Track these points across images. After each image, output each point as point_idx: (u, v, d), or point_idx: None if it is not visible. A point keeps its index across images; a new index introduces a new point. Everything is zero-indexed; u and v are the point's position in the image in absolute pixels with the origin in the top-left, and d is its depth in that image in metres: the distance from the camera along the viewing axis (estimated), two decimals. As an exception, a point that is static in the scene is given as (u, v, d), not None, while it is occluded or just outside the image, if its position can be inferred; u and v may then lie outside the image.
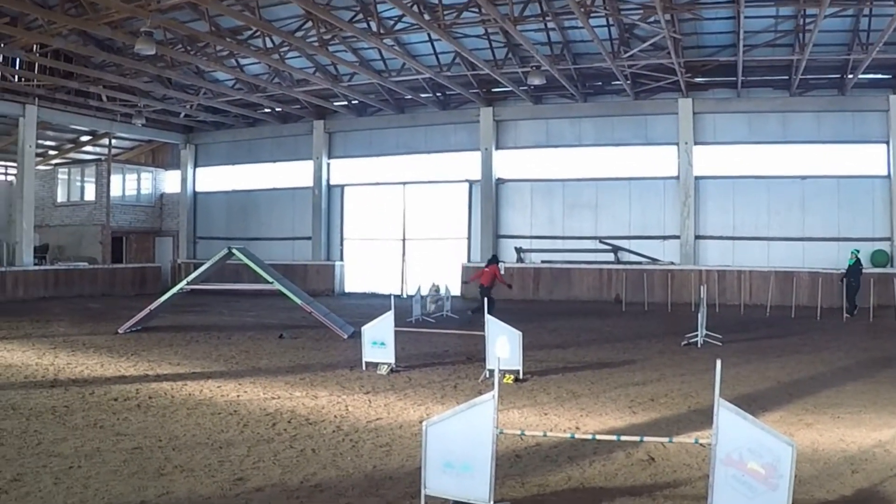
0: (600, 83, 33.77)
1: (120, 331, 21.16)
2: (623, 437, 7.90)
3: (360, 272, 39.37)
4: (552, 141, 35.52)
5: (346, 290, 38.82)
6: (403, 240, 38.33)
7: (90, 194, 42.83)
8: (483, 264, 33.15)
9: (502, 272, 22.01)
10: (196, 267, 26.46)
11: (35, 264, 36.19)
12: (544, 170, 35.62)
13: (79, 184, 43.68)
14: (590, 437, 8.71)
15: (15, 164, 38.91)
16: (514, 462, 8.62)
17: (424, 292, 26.86)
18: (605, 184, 34.48)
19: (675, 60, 27.54)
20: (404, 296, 34.29)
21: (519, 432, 8.24)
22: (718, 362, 6.56)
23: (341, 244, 39.92)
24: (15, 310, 27.34)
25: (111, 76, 31.64)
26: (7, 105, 34.35)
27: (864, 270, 27.25)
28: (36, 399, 12.12)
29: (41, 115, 35.62)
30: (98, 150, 44.45)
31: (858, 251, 27.31)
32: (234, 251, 21.47)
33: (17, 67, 31.76)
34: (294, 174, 40.95)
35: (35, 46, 28.61)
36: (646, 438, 7.70)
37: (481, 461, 6.89)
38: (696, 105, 32.73)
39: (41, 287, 34.65)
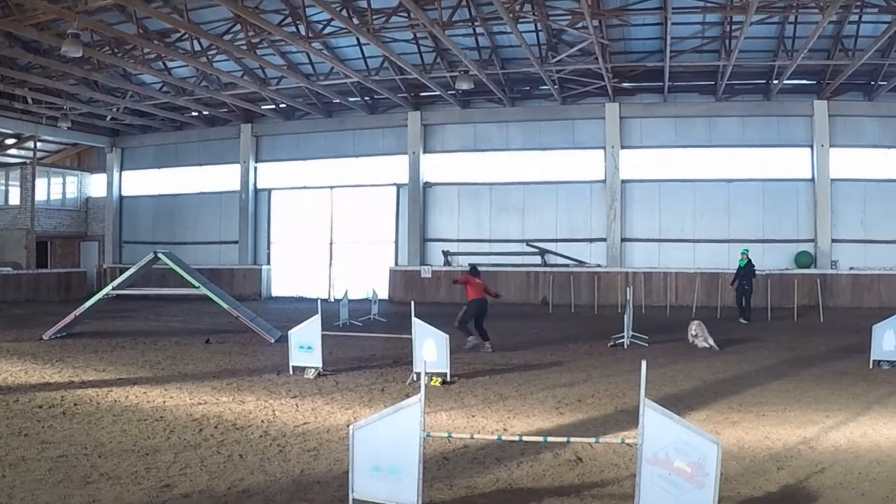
0: (528, 88, 34.00)
1: (45, 337, 20.80)
2: (550, 438, 8.00)
3: (287, 276, 39.24)
4: (480, 145, 35.71)
5: (274, 294, 38.65)
6: (331, 243, 38.28)
7: (14, 198, 42.33)
8: (411, 268, 33.41)
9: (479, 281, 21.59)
10: (122, 272, 26.11)
11: (-43, 270, 35.49)
12: (472, 173, 35.79)
13: (2, 188, 43.14)
14: (517, 438, 8.72)
15: None
16: (442, 464, 8.66)
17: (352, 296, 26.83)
18: (532, 187, 34.72)
19: (602, 66, 27.77)
20: (332, 299, 34.18)
21: (446, 434, 8.25)
22: (643, 363, 6.62)
23: (268, 248, 39.76)
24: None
25: (37, 78, 31.17)
26: (-72, 108, 33.64)
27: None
28: (-42, 408, 11.90)
29: (-36, 118, 34.98)
30: (23, 153, 43.74)
31: (748, 251, 26.81)
32: (161, 255, 21.23)
33: (-60, 70, 31.18)
34: (221, 178, 40.69)
35: (-41, 49, 28.05)
36: (572, 439, 7.79)
37: (409, 464, 6.92)
38: (623, 110, 33.10)
39: (-35, 294, 33.94)
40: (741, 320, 25.28)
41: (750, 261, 26.08)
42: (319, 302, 16.47)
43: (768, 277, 28.54)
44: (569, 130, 34.38)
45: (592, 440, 8.50)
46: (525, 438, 8.53)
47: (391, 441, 6.95)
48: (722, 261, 31.90)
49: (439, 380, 13.69)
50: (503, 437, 8.75)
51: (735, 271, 26.56)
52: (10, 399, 12.59)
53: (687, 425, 6.60)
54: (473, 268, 20.65)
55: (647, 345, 19.13)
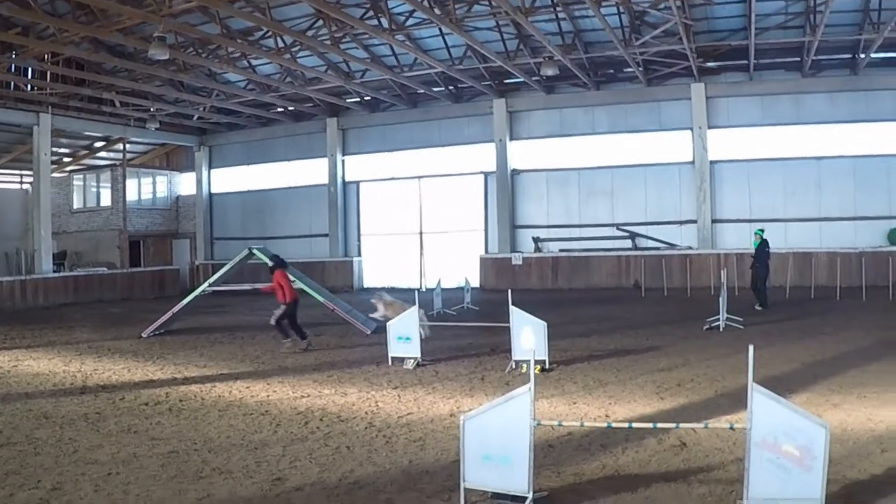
0: (612, 71, 33.69)
1: (143, 335, 21.23)
2: (659, 424, 7.93)
3: (378, 267, 39.49)
4: (566, 130, 35.48)
5: (365, 286, 38.76)
6: (421, 233, 38.38)
7: (106, 200, 43.15)
8: (502, 255, 33.29)
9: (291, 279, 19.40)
10: (214, 268, 26.53)
11: (54, 271, 36.41)
12: (559, 159, 35.61)
13: (94, 189, 43.99)
14: (626, 425, 8.74)
15: (31, 173, 39.09)
16: (548, 452, 8.67)
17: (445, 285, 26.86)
18: (620, 171, 34.44)
19: (686, 46, 27.43)
20: (423, 289, 34.28)
21: (556, 423, 8.28)
22: (751, 348, 6.58)
23: (359, 240, 40.02)
24: (37, 317, 27.45)
25: (123, 82, 31.81)
26: (21, 114, 34.58)
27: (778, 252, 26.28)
28: (67, 406, 12.21)
29: (55, 122, 35.89)
30: (112, 155, 44.62)
31: (762, 230, 24.53)
32: (255, 251, 21.54)
33: (30, 76, 31.98)
34: (309, 172, 41.07)
35: (47, 55, 28.73)
36: (681, 425, 7.72)
37: (519, 453, 6.94)
38: (709, 89, 32.62)
39: (61, 294, 34.68)
40: (756, 307, 23.33)
41: (764, 241, 23.97)
42: (417, 293, 16.51)
43: (861, 256, 27.90)
44: (655, 112, 34.05)
45: (701, 425, 8.49)
46: (635, 425, 8.53)
47: (501, 430, 6.98)
48: (813, 240, 31.32)
49: (538, 367, 13.64)
50: (613, 425, 8.72)
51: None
52: (115, 397, 12.90)
53: (794, 409, 6.56)
54: (281, 260, 19.02)
55: (742, 327, 18.89)
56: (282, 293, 18.01)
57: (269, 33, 26.98)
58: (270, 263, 18.80)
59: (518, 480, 6.95)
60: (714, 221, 32.72)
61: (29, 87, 32.94)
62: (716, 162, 32.81)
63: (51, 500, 7.70)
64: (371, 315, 20.37)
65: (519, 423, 6.94)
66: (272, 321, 18.24)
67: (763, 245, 23.65)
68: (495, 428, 7.03)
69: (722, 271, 20.80)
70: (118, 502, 7.59)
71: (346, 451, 9.11)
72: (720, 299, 19.43)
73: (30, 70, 31.71)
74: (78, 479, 8.30)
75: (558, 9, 26.07)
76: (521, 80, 32.77)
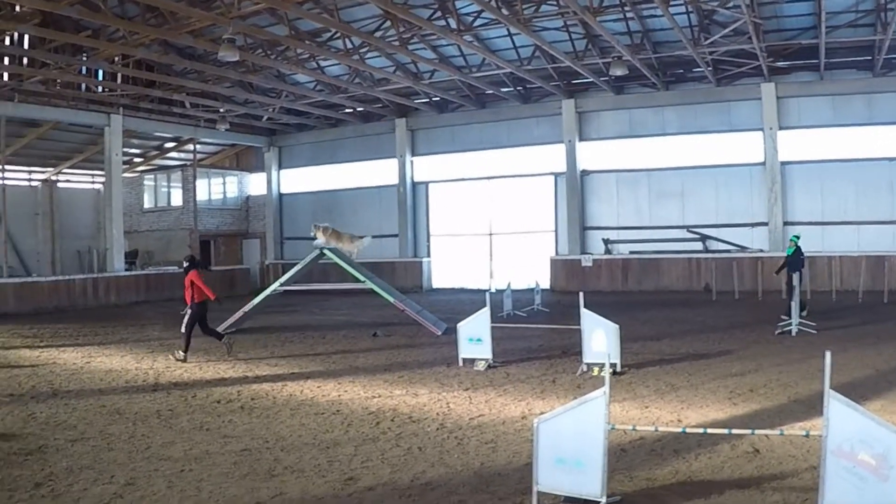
0: (681, 71, 33.34)
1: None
2: (734, 430, 7.88)
3: (447, 268, 39.51)
4: (635, 131, 35.21)
5: (434, 286, 38.92)
6: (490, 234, 38.28)
7: (177, 199, 43.69)
8: (572, 257, 33.14)
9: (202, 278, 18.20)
10: (284, 267, 26.71)
11: (125, 270, 36.97)
12: (629, 160, 35.29)
13: (165, 189, 44.57)
14: (701, 430, 8.66)
15: (102, 173, 39.90)
16: (620, 456, 8.64)
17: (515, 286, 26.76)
18: (690, 172, 34.07)
19: (756, 45, 27.06)
20: (493, 290, 34.22)
21: (630, 427, 8.25)
22: (828, 354, 6.50)
23: (428, 240, 40.04)
24: (109, 315, 27.85)
25: (193, 83, 32.16)
26: (93, 115, 35.23)
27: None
28: (140, 403, 12.44)
29: (126, 123, 36.47)
30: (183, 155, 45.20)
31: (798, 237, 23.05)
32: (326, 251, 21.69)
33: (101, 78, 32.51)
34: (378, 173, 41.16)
35: (118, 57, 29.15)
36: (756, 431, 7.65)
37: (593, 457, 6.94)
38: (780, 89, 32.14)
39: (133, 292, 35.26)
40: (802, 314, 20.37)
41: (798, 248, 22.49)
42: (488, 294, 16.48)
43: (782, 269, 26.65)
44: (725, 112, 33.61)
45: (776, 432, 8.43)
46: (709, 431, 8.48)
47: (575, 434, 6.98)
48: (887, 243, 30.73)
49: (610, 370, 13.59)
50: (687, 430, 8.67)
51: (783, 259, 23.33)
52: (188, 394, 13.12)
53: (871, 416, 6.46)
54: (194, 259, 18.29)
55: (815, 332, 18.59)
56: (190, 293, 17.42)
57: (338, 34, 27.06)
58: (185, 263, 18.06)
59: (591, 484, 6.94)
60: (785, 224, 32.17)
61: (100, 88, 33.48)
62: (787, 163, 32.31)
63: (124, 494, 7.85)
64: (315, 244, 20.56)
65: (593, 427, 6.93)
66: (182, 329, 17.55)
67: (797, 252, 22.45)
68: (569, 431, 7.02)
69: (794, 275, 20.49)
70: (191, 499, 7.71)
71: (418, 452, 9.15)
72: (792, 303, 19.20)
73: (101, 72, 32.22)
74: (151, 475, 8.45)
75: (626, 8, 25.87)
76: (590, 80, 32.53)
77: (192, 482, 8.18)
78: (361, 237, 22.21)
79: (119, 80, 32.58)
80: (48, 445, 9.87)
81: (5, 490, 8.07)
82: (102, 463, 8.99)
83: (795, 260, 22.21)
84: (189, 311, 17.41)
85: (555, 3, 24.90)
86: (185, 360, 16.99)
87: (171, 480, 8.24)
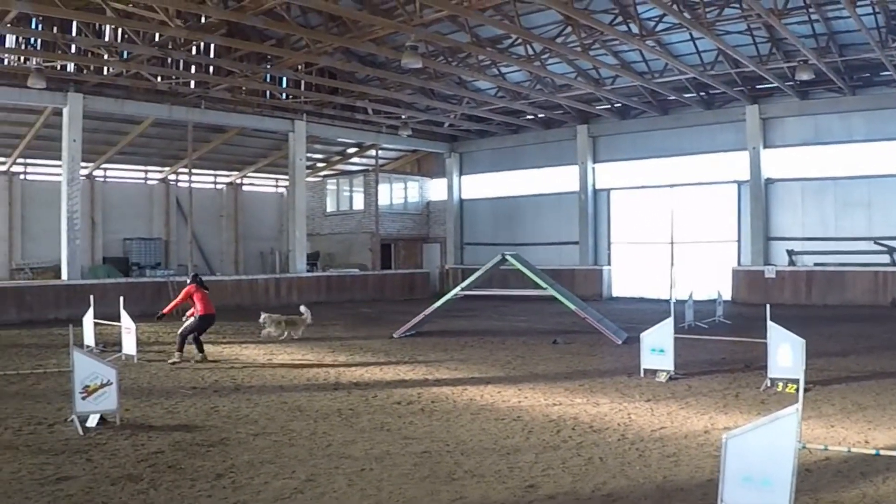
0: (868, 75, 31.94)
1: (395, 335, 21.75)
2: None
3: (627, 277, 38.99)
4: (821, 137, 33.81)
5: (614, 295, 38.48)
6: (671, 243, 37.67)
7: (358, 204, 44.49)
8: (755, 268, 32.28)
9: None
10: (464, 273, 26.78)
11: (307, 271, 37.89)
12: (814, 168, 33.95)
13: (347, 194, 45.47)
14: (894, 454, 8.20)
15: (286, 177, 41.52)
16: (806, 477, 8.16)
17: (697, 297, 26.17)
18: (878, 181, 32.46)
19: (952, 46, 26.00)
20: (673, 300, 33.55)
21: (822, 447, 7.85)
22: None
23: (608, 248, 39.60)
24: (290, 314, 28.37)
25: (375, 90, 32.75)
26: (277, 121, 36.32)
27: None
28: (320, 401, 12.59)
29: (309, 129, 37.43)
30: (365, 161, 46.18)
31: None
32: (508, 257, 21.62)
33: (285, 86, 33.64)
34: (559, 179, 40.96)
35: (301, 65, 29.93)
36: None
37: (782, 476, 6.58)
38: (978, 93, 30.72)
39: (314, 292, 35.97)
40: None
41: None
42: (672, 305, 16.18)
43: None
44: (916, 118, 32.28)
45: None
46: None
47: (764, 451, 6.64)
48: None
49: (794, 387, 13.06)
50: (881, 452, 8.21)
51: None
52: (368, 394, 13.20)
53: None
54: (197, 277, 18.12)
55: None
56: (201, 306, 17.22)
57: (519, 41, 27.11)
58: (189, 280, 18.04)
59: (778, 504, 6.61)
60: None
61: (284, 95, 34.55)
62: None
63: (304, 490, 7.91)
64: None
65: (783, 445, 6.58)
66: (186, 332, 17.25)
67: None
68: (758, 448, 6.69)
69: None
70: (371, 498, 7.68)
71: (599, 462, 8.91)
72: None
73: (284, 79, 33.25)
74: (331, 473, 8.49)
75: (811, 10, 25.05)
76: (774, 85, 31.61)
77: (372, 481, 8.17)
78: (302, 314, 21.92)
79: (303, 88, 33.62)
80: (230, 438, 10.08)
81: (187, 479, 8.25)
82: (283, 458, 9.09)
83: None
84: (192, 320, 17.30)
85: (738, 5, 24.30)
86: (179, 361, 16.88)
87: (351, 479, 8.26)
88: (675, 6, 23.18)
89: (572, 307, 20.84)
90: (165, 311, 17.91)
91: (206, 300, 17.28)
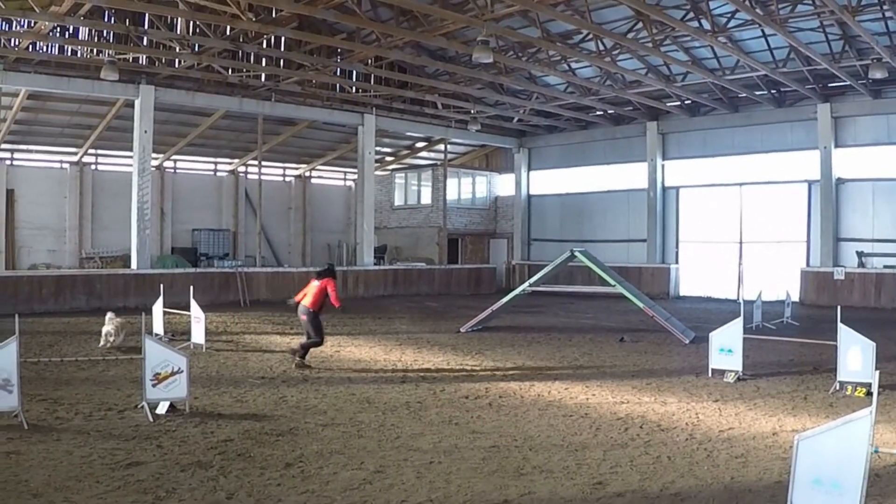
0: (943, 73, 31.59)
1: (462, 329, 21.86)
2: None
3: (694, 275, 38.65)
4: (893, 137, 33.05)
5: (681, 294, 38.20)
6: (740, 242, 37.26)
7: (426, 198, 44.68)
8: (824, 269, 31.84)
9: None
10: (531, 268, 26.76)
11: (375, 264, 38.17)
12: (886, 168, 33.21)
13: (415, 188, 45.67)
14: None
15: (355, 170, 41.66)
16: (874, 481, 8.05)
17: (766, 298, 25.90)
18: (952, 183, 32.11)
19: None
20: (740, 300, 33.26)
21: (894, 451, 7.79)
22: None
23: (676, 247, 39.26)
24: (357, 307, 28.54)
25: (445, 84, 32.82)
26: (346, 115, 36.57)
27: None
28: (389, 394, 12.74)
29: (378, 123, 37.57)
30: (433, 155, 46.31)
31: None
32: (577, 254, 21.61)
33: (355, 79, 33.73)
34: (627, 176, 40.72)
35: (371, 59, 30.25)
36: None
37: (852, 480, 6.54)
38: None
39: (381, 286, 36.39)
40: None
41: None
42: (741, 305, 16.07)
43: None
44: None
45: None
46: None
47: (835, 454, 6.62)
48: None
49: (864, 390, 12.92)
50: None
51: None
52: (436, 388, 13.33)
53: None
54: (332, 269, 16.87)
55: None
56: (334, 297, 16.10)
57: (590, 36, 26.95)
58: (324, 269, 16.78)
59: (847, 509, 6.56)
60: None
61: (354, 89, 34.68)
62: None
63: (373, 481, 8.01)
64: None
65: (855, 449, 6.54)
66: (317, 339, 16.07)
67: None
68: (829, 451, 6.66)
69: None
70: (439, 491, 7.76)
71: (667, 461, 8.93)
72: None
73: (354, 73, 33.38)
74: (400, 465, 8.60)
75: (885, 7, 24.65)
76: (846, 83, 31.12)
77: (440, 474, 8.25)
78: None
79: (372, 81, 33.67)
80: (299, 428, 10.24)
81: (257, 468, 8.41)
82: (352, 449, 9.23)
83: None
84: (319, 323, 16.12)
85: (811, 2, 24.02)
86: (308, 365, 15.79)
87: (419, 471, 8.35)
88: (747, 2, 22.95)
89: (640, 305, 20.79)
90: (312, 306, 15.98)
91: (322, 294, 16.08)
